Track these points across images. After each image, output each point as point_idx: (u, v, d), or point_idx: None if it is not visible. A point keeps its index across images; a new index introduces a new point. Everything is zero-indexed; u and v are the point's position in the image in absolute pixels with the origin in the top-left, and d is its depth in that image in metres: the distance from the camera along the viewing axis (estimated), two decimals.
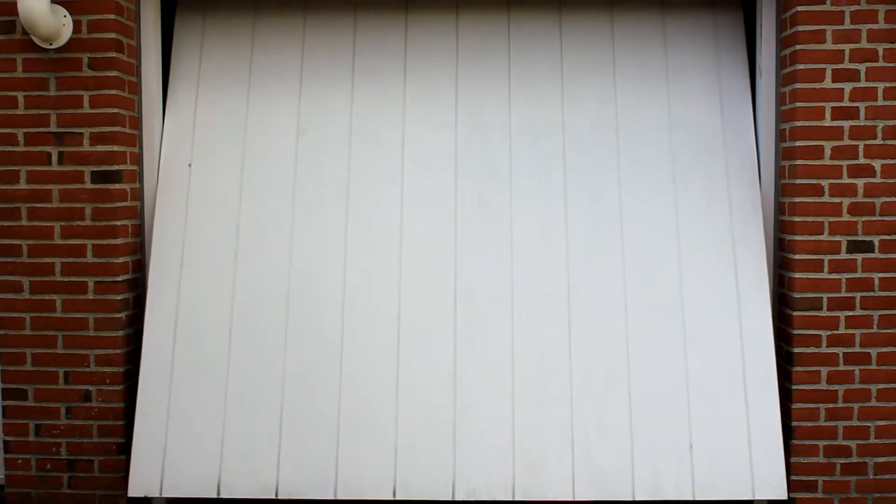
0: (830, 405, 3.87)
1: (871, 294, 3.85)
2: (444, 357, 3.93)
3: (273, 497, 3.79)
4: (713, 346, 3.90)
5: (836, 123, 3.82)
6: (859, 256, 3.84)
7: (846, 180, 3.83)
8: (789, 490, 3.91)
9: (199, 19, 4.41)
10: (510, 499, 3.78)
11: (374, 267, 4.03)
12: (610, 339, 3.93)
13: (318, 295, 4.00)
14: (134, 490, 3.82)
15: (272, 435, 3.87)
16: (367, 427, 3.86)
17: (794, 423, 3.88)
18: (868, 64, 3.81)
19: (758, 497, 3.77)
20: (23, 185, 3.89)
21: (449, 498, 3.77)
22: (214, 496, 3.80)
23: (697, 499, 3.77)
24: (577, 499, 3.77)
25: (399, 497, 3.78)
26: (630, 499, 3.77)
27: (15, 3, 3.72)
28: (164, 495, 3.83)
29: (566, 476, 3.80)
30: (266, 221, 4.10)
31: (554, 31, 4.31)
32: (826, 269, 3.84)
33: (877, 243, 3.84)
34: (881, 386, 3.87)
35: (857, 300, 3.85)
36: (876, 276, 3.85)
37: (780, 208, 4.02)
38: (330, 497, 3.78)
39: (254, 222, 4.10)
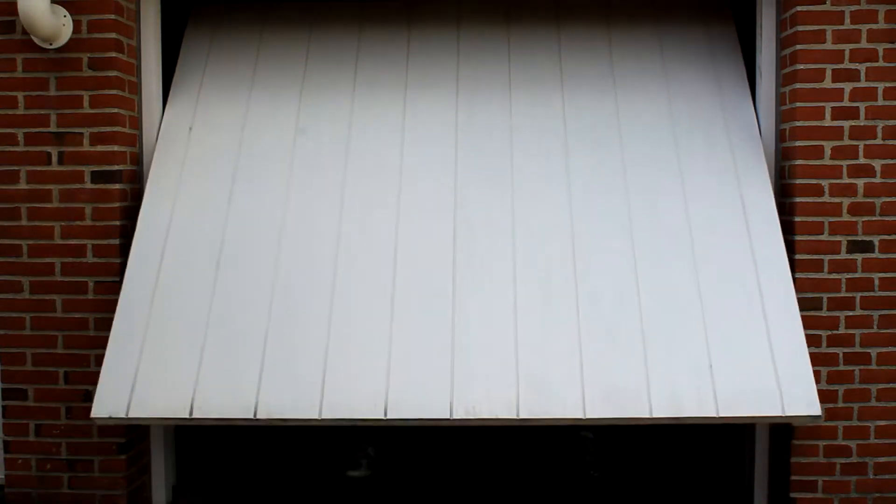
0: (830, 405, 3.87)
1: (871, 294, 3.85)
2: (442, 283, 3.72)
3: (251, 417, 3.46)
4: (725, 270, 3.73)
5: (836, 123, 3.82)
6: (859, 256, 3.84)
7: (846, 180, 3.83)
8: (789, 489, 3.90)
9: (207, 33, 4.46)
10: (514, 416, 3.44)
11: (373, 202, 3.94)
12: (617, 267, 3.74)
13: (314, 226, 3.89)
14: (98, 410, 3.51)
15: (254, 359, 3.59)
16: (359, 350, 3.59)
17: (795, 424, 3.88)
18: (868, 64, 3.81)
19: (788, 413, 3.42)
20: (23, 185, 3.89)
21: (446, 416, 3.44)
22: (186, 416, 3.48)
23: (721, 415, 3.41)
24: (588, 416, 3.42)
25: (391, 416, 3.45)
26: (647, 416, 3.42)
27: (15, 3, 3.72)
28: (130, 415, 3.50)
29: (575, 395, 3.47)
30: (266, 152, 4.06)
31: (553, 48, 4.32)
32: (826, 269, 3.84)
33: (877, 243, 3.84)
34: (881, 386, 3.87)
35: (857, 300, 3.85)
36: (876, 276, 3.85)
37: (780, 208, 4.01)
38: (314, 417, 3.47)
39: (254, 153, 4.06)
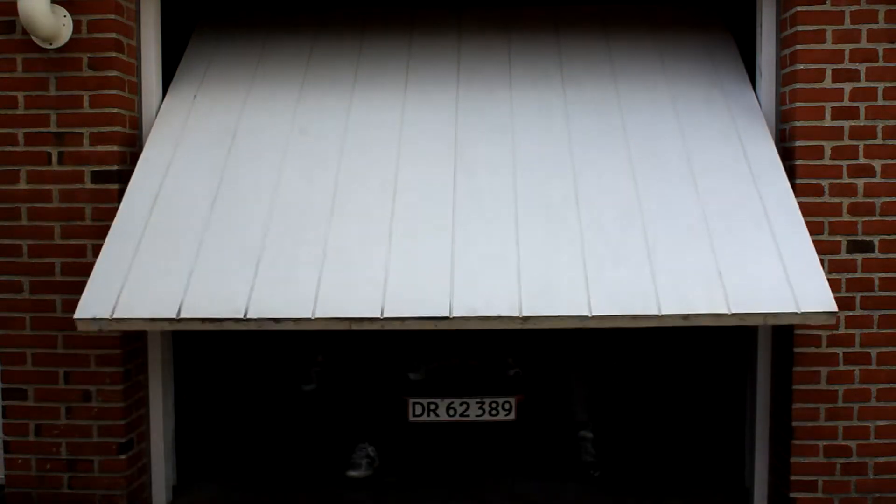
0: (830, 405, 3.87)
1: (871, 294, 3.85)
2: (442, 211, 3.66)
3: (241, 317, 3.31)
4: (727, 196, 3.69)
5: (836, 123, 3.82)
6: (859, 256, 3.84)
7: (846, 180, 3.83)
8: (789, 489, 3.91)
9: (210, 41, 4.51)
10: (516, 314, 3.30)
11: (375, 143, 3.93)
12: (619, 194, 3.70)
13: (315, 153, 3.89)
14: (81, 312, 3.37)
15: (248, 268, 3.48)
16: (356, 265, 3.49)
17: (794, 423, 3.88)
18: (868, 64, 3.81)
19: (803, 309, 3.30)
20: (23, 185, 3.89)
21: (445, 314, 3.31)
22: (173, 317, 3.34)
23: (733, 311, 3.28)
24: (594, 314, 3.29)
25: (388, 315, 3.31)
26: (655, 313, 3.29)
27: (15, 3, 3.72)
28: (115, 316, 3.36)
29: (580, 297, 3.34)
30: (275, 86, 4.15)
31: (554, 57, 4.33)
32: (826, 269, 3.83)
33: (877, 243, 3.84)
34: (881, 386, 3.87)
35: (857, 300, 3.85)
36: (876, 276, 3.85)
37: None
38: (307, 316, 3.32)
39: (263, 87, 4.14)
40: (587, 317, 3.28)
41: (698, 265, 3.45)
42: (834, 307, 3.30)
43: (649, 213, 3.63)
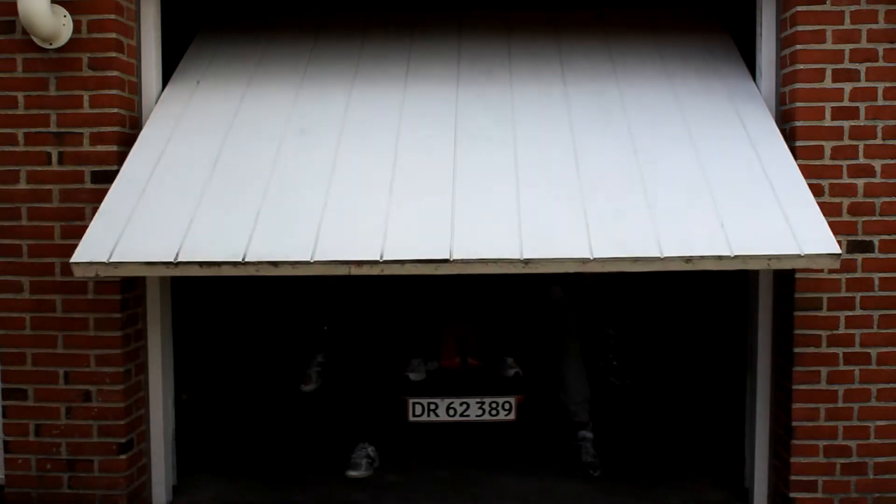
0: (830, 405, 3.87)
1: (871, 294, 3.85)
2: (442, 167, 3.68)
3: (239, 261, 3.31)
4: (725, 155, 3.71)
5: (836, 123, 3.82)
6: (859, 256, 3.84)
7: (846, 180, 3.83)
8: (789, 489, 3.91)
9: (211, 43, 4.54)
10: (517, 257, 3.29)
11: (376, 115, 3.98)
12: (619, 159, 3.71)
13: (316, 124, 3.93)
14: (79, 256, 3.37)
15: (248, 219, 3.49)
16: (356, 215, 3.50)
17: (794, 423, 3.88)
18: (868, 64, 3.81)
19: (806, 251, 3.28)
20: (23, 185, 3.89)
21: (445, 257, 3.28)
22: (171, 261, 3.33)
23: (735, 254, 3.26)
24: (596, 257, 3.27)
25: (388, 258, 3.30)
26: (657, 255, 3.27)
27: (15, 3, 3.71)
28: (112, 260, 3.36)
29: (581, 240, 3.34)
30: (277, 75, 4.19)
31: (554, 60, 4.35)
32: (826, 268, 3.83)
33: (877, 243, 3.84)
34: (881, 386, 3.87)
35: (857, 300, 3.85)
36: (876, 276, 3.84)
37: None
38: (306, 259, 3.31)
39: (265, 76, 4.17)
40: (589, 259, 3.27)
41: (700, 216, 3.44)
42: (837, 249, 3.28)
43: (649, 175, 3.63)
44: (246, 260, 3.31)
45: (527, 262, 3.27)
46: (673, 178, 3.63)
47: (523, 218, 3.45)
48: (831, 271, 3.82)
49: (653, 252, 3.27)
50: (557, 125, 3.91)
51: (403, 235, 3.38)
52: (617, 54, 4.33)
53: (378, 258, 3.28)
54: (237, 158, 3.79)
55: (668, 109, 4.00)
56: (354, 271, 3.31)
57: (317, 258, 3.30)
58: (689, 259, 3.26)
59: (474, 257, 3.28)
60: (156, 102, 4.13)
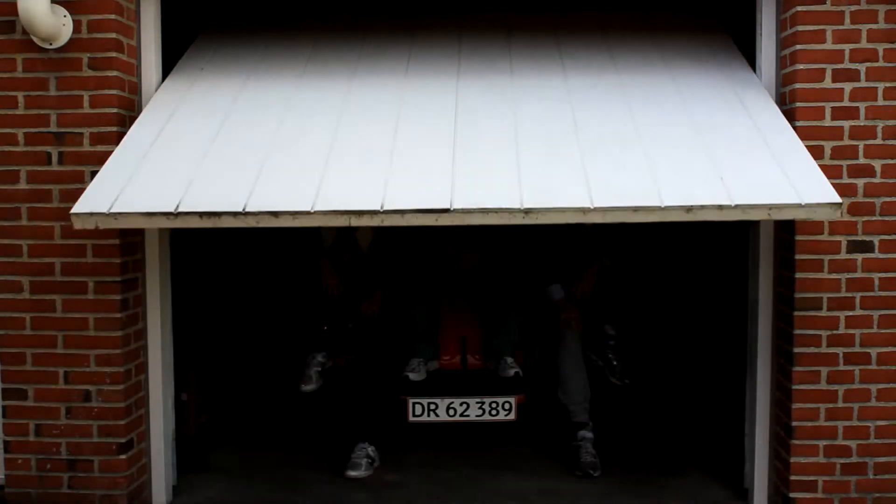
0: (830, 405, 3.87)
1: (871, 294, 3.85)
2: (443, 134, 3.73)
3: (240, 211, 3.32)
4: (722, 124, 3.74)
5: (836, 123, 3.82)
6: (859, 256, 3.84)
7: (846, 180, 3.83)
8: (789, 489, 3.91)
9: (214, 40, 4.57)
10: (517, 206, 3.29)
11: (378, 94, 4.02)
12: (617, 125, 3.74)
13: (318, 104, 3.98)
14: (80, 207, 3.39)
15: (250, 174, 3.52)
16: (357, 171, 3.53)
17: (794, 423, 3.88)
18: (868, 64, 3.81)
19: (805, 201, 3.28)
20: (23, 185, 3.89)
21: (446, 207, 3.30)
22: (171, 211, 3.33)
23: (735, 203, 3.27)
24: (595, 206, 3.28)
25: (388, 208, 3.31)
26: (657, 205, 3.28)
27: (15, 3, 3.72)
28: (113, 211, 3.37)
29: (581, 192, 3.36)
30: (279, 66, 4.24)
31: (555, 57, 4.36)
32: (826, 269, 3.83)
33: (877, 243, 3.84)
34: (881, 386, 3.87)
35: (857, 300, 3.85)
36: (876, 276, 3.85)
37: None
38: (306, 209, 3.32)
39: (267, 66, 4.23)
40: (589, 208, 3.27)
41: (699, 171, 3.45)
42: (838, 199, 3.28)
43: (649, 139, 3.66)
44: (246, 210, 3.31)
45: (527, 211, 3.28)
46: (672, 141, 3.65)
47: (523, 173, 3.46)
48: (831, 271, 3.82)
49: (653, 202, 3.28)
50: (557, 104, 3.93)
51: (404, 188, 3.40)
52: (617, 51, 4.35)
53: (378, 208, 3.29)
54: (239, 128, 3.83)
55: (667, 91, 4.02)
56: (354, 222, 3.33)
57: (317, 208, 3.30)
58: (689, 208, 3.27)
59: (475, 206, 3.28)
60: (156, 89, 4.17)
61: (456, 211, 3.28)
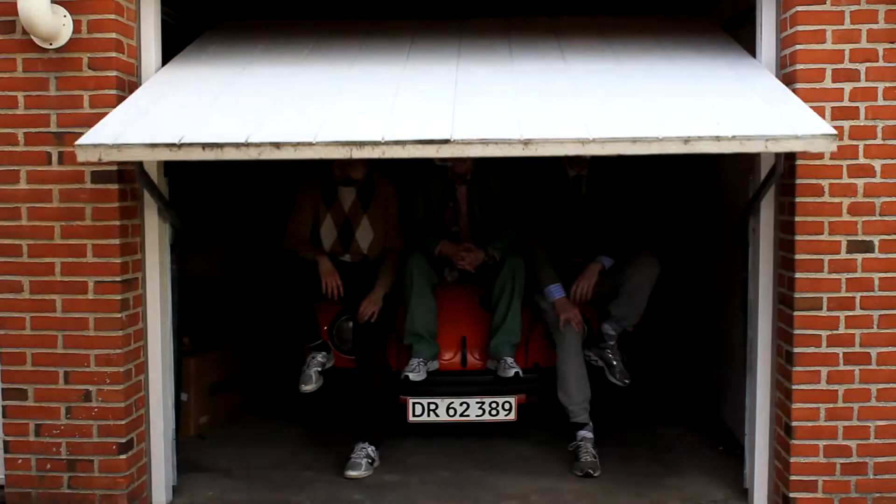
0: (830, 405, 3.87)
1: (871, 294, 3.85)
2: (443, 92, 3.80)
3: (242, 142, 3.36)
4: (716, 79, 3.82)
5: (836, 123, 3.81)
6: (859, 256, 3.84)
7: (846, 180, 3.83)
8: (789, 489, 3.91)
9: (216, 37, 4.61)
10: (516, 137, 3.35)
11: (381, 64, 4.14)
12: (615, 88, 3.81)
13: (324, 70, 4.09)
14: (84, 140, 3.45)
15: (254, 115, 3.61)
16: (359, 114, 3.62)
17: (794, 423, 3.88)
18: (868, 64, 3.81)
19: (801, 132, 3.34)
20: (23, 185, 3.89)
21: (446, 137, 3.35)
22: (175, 142, 3.37)
23: (733, 134, 3.32)
24: (594, 137, 3.33)
25: (388, 139, 3.37)
26: (656, 136, 3.34)
27: (15, 3, 3.71)
28: (115, 143, 3.40)
29: (580, 125, 3.44)
30: (281, 56, 4.26)
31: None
32: (826, 269, 3.84)
33: (877, 243, 3.84)
34: (881, 386, 3.87)
35: (857, 300, 3.85)
36: (876, 276, 3.85)
37: (780, 208, 4.02)
38: (308, 140, 3.38)
39: (268, 57, 4.27)
40: (587, 139, 3.32)
41: (696, 113, 3.52)
42: (833, 131, 3.33)
43: (645, 91, 3.75)
44: (249, 142, 3.34)
45: (526, 142, 3.32)
46: (669, 92, 3.73)
47: (521, 112, 3.55)
48: (831, 271, 3.82)
49: (651, 133, 3.33)
50: (556, 74, 3.98)
51: (406, 124, 3.48)
52: (617, 45, 4.36)
53: (380, 139, 3.34)
54: (242, 91, 3.89)
55: (664, 66, 4.07)
56: (356, 154, 3.36)
57: (319, 139, 3.35)
58: (687, 139, 3.31)
59: (475, 137, 3.33)
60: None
61: (456, 142, 3.32)
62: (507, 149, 3.33)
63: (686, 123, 3.43)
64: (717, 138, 3.31)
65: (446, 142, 3.32)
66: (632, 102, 3.65)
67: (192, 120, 3.56)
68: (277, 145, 3.34)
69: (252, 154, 3.34)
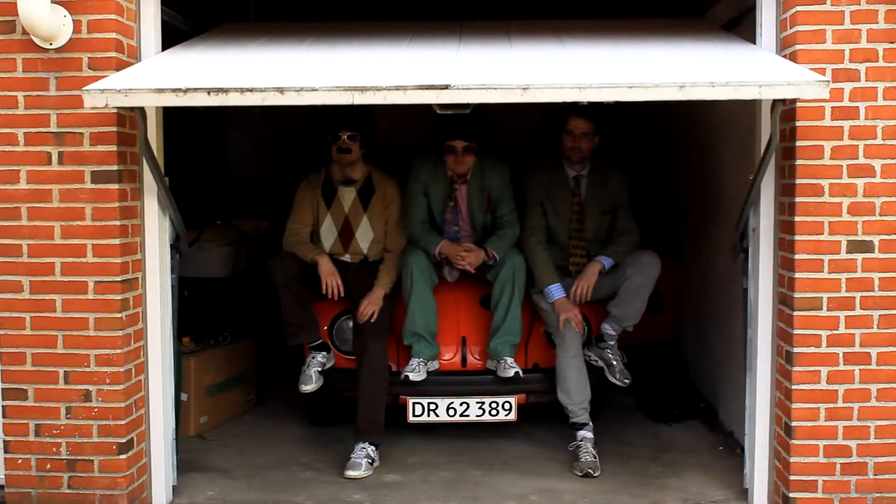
0: (830, 405, 3.87)
1: (871, 294, 3.85)
2: (446, 51, 3.96)
3: (246, 87, 3.45)
4: (713, 56, 3.89)
5: (836, 123, 3.82)
6: (859, 256, 3.84)
7: (846, 180, 3.83)
8: (789, 489, 3.91)
9: (218, 35, 4.58)
10: (517, 83, 3.42)
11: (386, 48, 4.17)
12: (611, 59, 3.86)
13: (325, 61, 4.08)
14: (92, 86, 3.51)
15: (259, 71, 3.74)
16: (360, 67, 3.75)
17: (794, 423, 3.88)
18: (868, 64, 3.81)
19: (794, 80, 3.42)
20: (23, 185, 3.89)
21: (446, 83, 3.42)
22: (181, 87, 3.44)
23: (727, 80, 3.40)
24: (591, 84, 3.41)
25: (388, 84, 3.44)
26: (653, 83, 3.41)
27: (15, 3, 3.71)
28: (122, 88, 3.47)
29: (577, 73, 3.56)
30: (285, 42, 4.29)
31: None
32: (826, 269, 3.84)
33: (877, 243, 3.84)
34: (881, 386, 3.87)
35: (857, 300, 3.85)
36: (876, 276, 3.85)
37: (780, 208, 4.02)
38: (312, 86, 3.46)
39: (274, 43, 4.31)
40: (585, 85, 3.38)
41: (691, 65, 3.68)
42: (824, 78, 3.39)
43: (641, 57, 3.85)
44: (253, 87, 3.40)
45: (525, 88, 3.38)
46: (664, 60, 3.82)
47: (520, 67, 3.67)
48: (831, 271, 3.82)
49: (647, 80, 3.40)
50: (554, 54, 4.02)
51: (407, 71, 3.59)
52: (614, 35, 4.37)
53: (381, 85, 3.40)
54: (249, 57, 3.98)
55: (660, 47, 4.10)
56: (358, 99, 3.41)
57: (322, 84, 3.41)
58: (682, 86, 3.37)
59: (474, 83, 3.40)
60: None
61: (457, 87, 3.39)
62: (505, 94, 3.38)
63: (681, 72, 3.53)
64: (712, 84, 3.38)
65: (447, 87, 3.38)
66: (628, 62, 3.73)
67: (199, 74, 3.64)
68: (281, 90, 3.40)
69: (256, 99, 3.40)
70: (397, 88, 3.39)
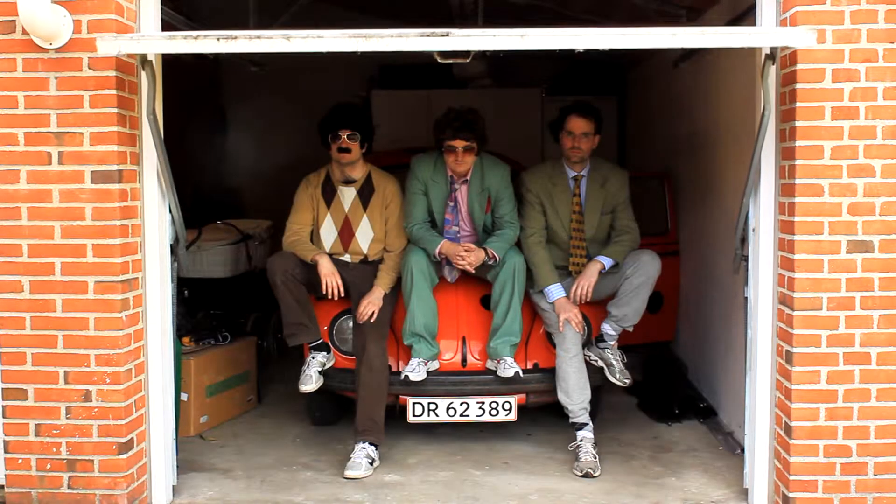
0: (830, 405, 3.87)
1: (871, 294, 3.85)
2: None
3: (255, 34, 3.61)
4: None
5: (836, 123, 3.82)
6: (859, 256, 3.84)
7: (846, 180, 3.83)
8: (789, 489, 3.91)
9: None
10: (515, 32, 3.54)
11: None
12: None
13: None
14: (104, 37, 3.64)
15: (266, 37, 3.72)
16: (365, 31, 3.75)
17: (794, 423, 3.88)
18: (868, 64, 3.81)
19: (785, 31, 3.62)
20: (23, 185, 3.89)
21: (447, 31, 3.53)
22: (191, 34, 3.62)
23: (722, 30, 3.61)
24: (586, 31, 3.55)
25: (392, 35, 3.56)
26: (645, 32, 3.57)
27: (15, 3, 3.71)
28: (136, 35, 3.66)
29: (573, 30, 3.60)
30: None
31: None
32: (826, 269, 3.84)
33: (877, 243, 3.84)
34: (881, 386, 3.87)
35: (857, 300, 3.85)
36: (876, 276, 3.85)
37: (780, 208, 4.02)
38: (318, 34, 3.59)
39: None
40: (580, 34, 3.52)
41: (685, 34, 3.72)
42: (813, 30, 3.55)
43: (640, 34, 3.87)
44: (261, 34, 3.54)
45: (523, 34, 3.50)
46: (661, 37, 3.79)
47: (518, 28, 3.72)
48: (831, 271, 3.83)
49: (641, 31, 3.54)
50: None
51: (409, 29, 3.61)
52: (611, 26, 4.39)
53: (384, 33, 3.51)
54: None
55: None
56: (362, 46, 3.53)
57: (328, 34, 3.53)
58: (674, 33, 3.55)
59: (475, 31, 3.54)
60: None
61: (457, 35, 3.51)
62: (504, 41, 3.50)
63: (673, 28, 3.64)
64: (703, 31, 3.66)
65: (447, 35, 3.49)
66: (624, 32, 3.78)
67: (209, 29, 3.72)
68: (288, 37, 3.53)
69: (264, 46, 3.54)
70: (400, 36, 3.50)
